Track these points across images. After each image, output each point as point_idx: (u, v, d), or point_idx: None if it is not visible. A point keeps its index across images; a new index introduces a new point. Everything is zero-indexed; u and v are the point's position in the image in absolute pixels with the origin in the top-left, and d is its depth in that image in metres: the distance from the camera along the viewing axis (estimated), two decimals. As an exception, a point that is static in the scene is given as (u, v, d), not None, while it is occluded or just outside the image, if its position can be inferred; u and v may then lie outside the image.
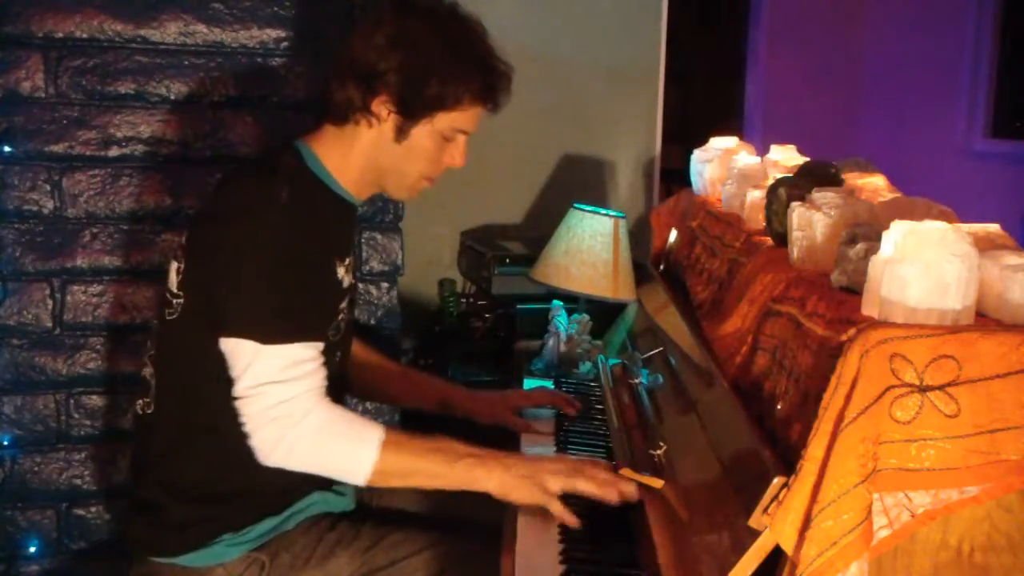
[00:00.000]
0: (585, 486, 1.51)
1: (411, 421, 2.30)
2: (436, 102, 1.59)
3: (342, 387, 1.79)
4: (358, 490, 1.81)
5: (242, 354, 1.48)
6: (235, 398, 1.49)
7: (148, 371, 1.69)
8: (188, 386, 1.60)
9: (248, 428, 1.49)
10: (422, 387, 1.99)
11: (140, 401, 1.70)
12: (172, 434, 1.64)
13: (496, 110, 1.68)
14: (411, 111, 1.59)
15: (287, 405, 1.47)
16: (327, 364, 1.66)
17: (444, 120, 1.61)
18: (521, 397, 1.99)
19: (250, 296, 1.50)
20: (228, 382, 1.51)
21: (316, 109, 1.69)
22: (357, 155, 1.64)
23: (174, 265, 1.64)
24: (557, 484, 1.52)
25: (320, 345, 1.54)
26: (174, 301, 1.62)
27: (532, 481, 1.52)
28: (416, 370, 2.05)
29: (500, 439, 1.81)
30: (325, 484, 1.70)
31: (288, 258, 1.51)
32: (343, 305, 1.69)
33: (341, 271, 1.66)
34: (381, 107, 1.59)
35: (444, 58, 1.58)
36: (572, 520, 1.50)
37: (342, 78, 1.60)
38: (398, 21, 1.59)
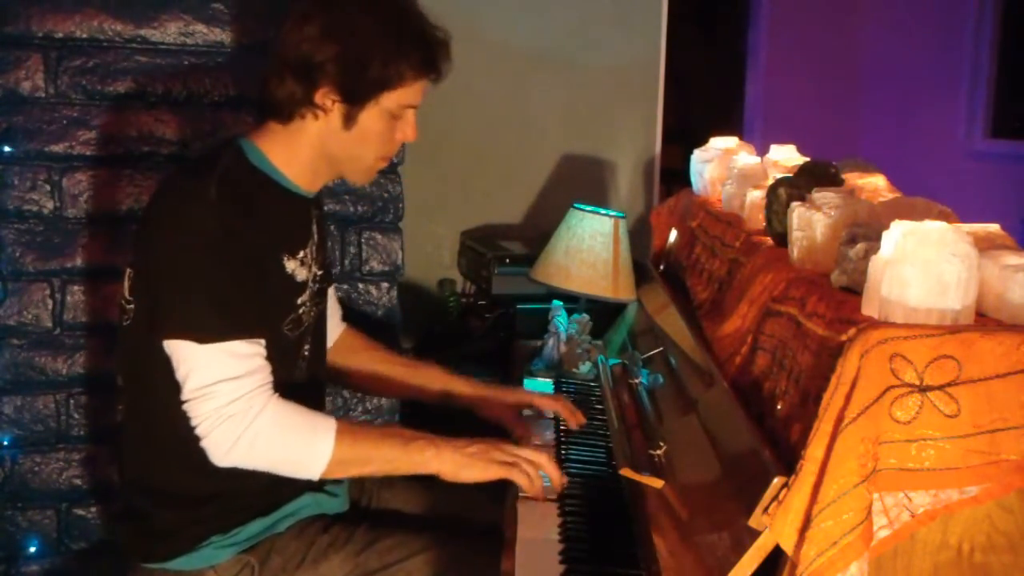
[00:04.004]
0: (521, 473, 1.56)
1: (412, 419, 2.30)
2: (379, 84, 1.57)
3: (317, 384, 1.77)
4: (352, 492, 1.80)
5: (183, 356, 1.47)
6: (184, 401, 1.47)
7: (119, 378, 1.68)
8: (149, 391, 1.58)
9: (201, 429, 1.46)
10: (425, 378, 1.96)
11: (118, 408, 1.69)
12: (144, 439, 1.63)
13: (439, 79, 1.65)
14: (355, 97, 1.57)
15: (240, 402, 1.46)
16: (293, 362, 1.65)
17: (390, 99, 1.59)
18: (527, 397, 1.95)
19: (182, 295, 1.49)
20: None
21: (256, 106, 1.66)
22: (306, 148, 1.62)
23: (127, 271, 1.62)
24: (508, 456, 1.56)
25: (262, 342, 1.52)
26: (127, 307, 1.60)
27: (484, 457, 1.55)
28: (418, 360, 2.01)
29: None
30: (316, 485, 1.69)
31: (219, 255, 1.49)
32: (301, 299, 1.66)
33: (292, 265, 1.64)
34: (325, 98, 1.57)
35: (380, 39, 1.56)
36: (532, 487, 1.55)
37: (280, 74, 1.57)
38: (328, 10, 1.57)
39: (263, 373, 1.51)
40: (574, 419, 1.89)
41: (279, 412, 1.49)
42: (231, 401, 1.45)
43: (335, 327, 1.95)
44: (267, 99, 1.60)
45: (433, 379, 1.95)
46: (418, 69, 1.60)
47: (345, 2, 1.58)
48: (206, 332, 1.46)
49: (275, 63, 1.58)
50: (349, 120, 1.59)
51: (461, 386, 1.94)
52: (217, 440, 1.46)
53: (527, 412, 1.94)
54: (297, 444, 1.50)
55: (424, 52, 1.60)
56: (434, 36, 1.62)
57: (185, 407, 1.47)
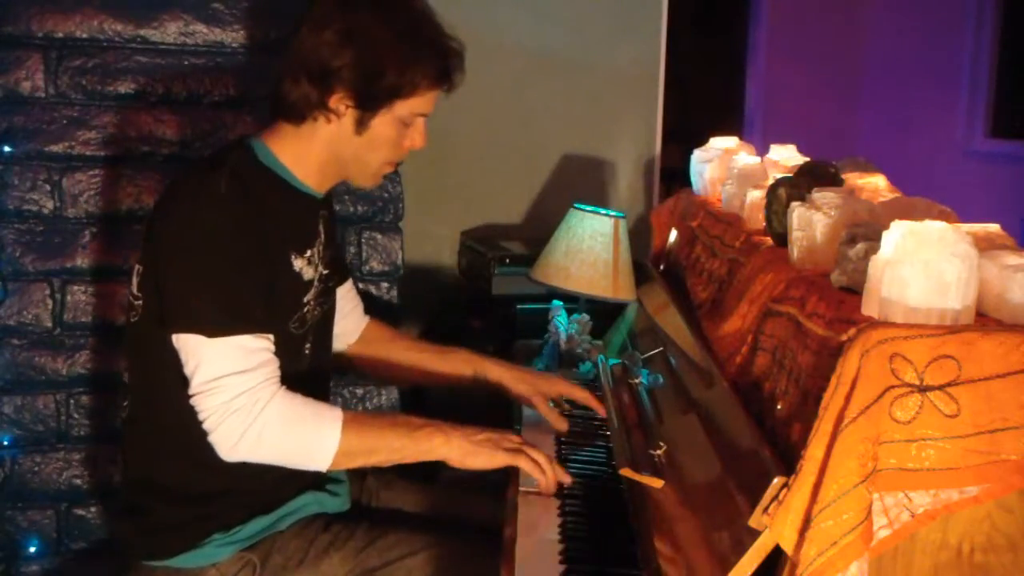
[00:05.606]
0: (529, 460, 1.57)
1: (410, 406, 2.31)
2: (393, 92, 1.59)
3: (319, 382, 1.78)
4: (353, 491, 1.80)
5: (192, 350, 1.48)
6: (191, 395, 1.47)
7: (125, 374, 1.69)
8: (156, 387, 1.59)
9: (208, 424, 1.46)
10: (455, 361, 1.94)
11: (123, 404, 1.69)
12: (148, 435, 1.63)
13: (452, 90, 1.67)
14: (369, 104, 1.59)
15: (247, 396, 1.46)
16: (295, 358, 1.65)
17: (403, 107, 1.61)
18: (561, 388, 1.91)
19: (191, 289, 1.50)
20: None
21: (268, 106, 1.67)
22: (316, 150, 1.63)
23: (136, 267, 1.62)
24: (514, 446, 1.57)
25: (270, 337, 1.53)
26: (135, 303, 1.61)
27: (491, 444, 1.56)
28: (444, 346, 1.99)
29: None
30: (317, 484, 1.70)
31: (228, 249, 1.50)
32: (307, 298, 1.67)
33: (300, 263, 1.64)
34: (339, 103, 1.59)
35: (397, 48, 1.57)
36: (538, 473, 1.55)
37: (295, 77, 1.58)
38: (346, 16, 1.58)
39: (271, 367, 1.51)
40: (602, 408, 1.88)
41: (285, 404, 1.49)
42: (237, 395, 1.46)
43: (359, 320, 1.96)
44: (280, 100, 1.61)
45: (464, 362, 1.94)
46: (432, 79, 1.62)
47: (363, 9, 1.59)
48: (214, 326, 1.47)
49: (291, 65, 1.59)
50: (361, 125, 1.61)
51: (493, 367, 1.92)
52: (224, 434, 1.46)
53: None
54: (303, 436, 1.51)
55: (439, 63, 1.62)
56: (449, 47, 1.63)
57: (192, 401, 1.47)
